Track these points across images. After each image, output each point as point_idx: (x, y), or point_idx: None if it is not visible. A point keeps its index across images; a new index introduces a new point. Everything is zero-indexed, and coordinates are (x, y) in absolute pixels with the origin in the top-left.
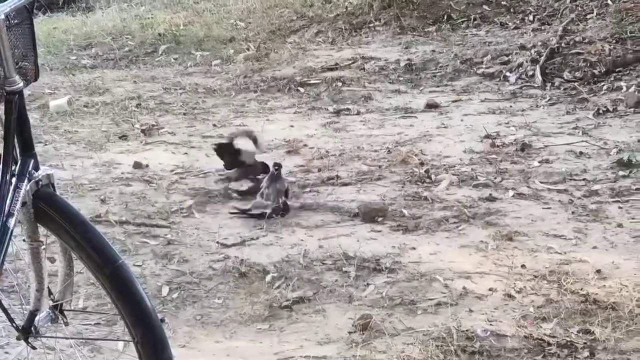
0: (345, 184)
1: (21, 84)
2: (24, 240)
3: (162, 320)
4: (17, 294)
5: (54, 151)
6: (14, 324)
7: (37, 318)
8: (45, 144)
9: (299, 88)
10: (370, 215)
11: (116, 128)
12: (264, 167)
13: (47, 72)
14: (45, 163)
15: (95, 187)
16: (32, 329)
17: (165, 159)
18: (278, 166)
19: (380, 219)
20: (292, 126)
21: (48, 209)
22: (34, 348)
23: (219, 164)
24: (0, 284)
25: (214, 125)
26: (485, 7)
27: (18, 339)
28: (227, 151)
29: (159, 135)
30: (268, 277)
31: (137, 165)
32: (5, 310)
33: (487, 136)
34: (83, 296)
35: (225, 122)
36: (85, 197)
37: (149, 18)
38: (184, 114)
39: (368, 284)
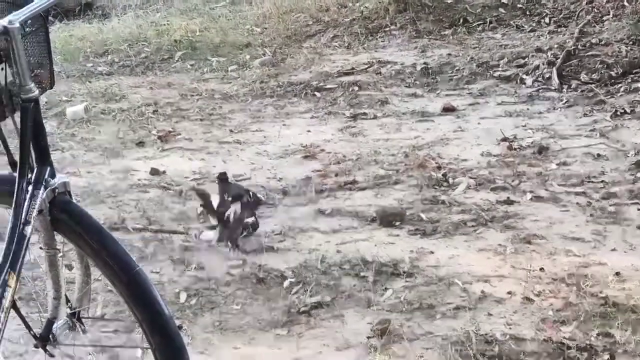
0: (363, 189)
1: (37, 92)
2: (40, 248)
3: (180, 327)
4: (35, 302)
5: (71, 158)
6: (31, 332)
7: (54, 326)
8: (62, 152)
9: (315, 93)
10: (388, 219)
11: (133, 135)
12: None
13: (64, 80)
14: (62, 170)
15: (112, 194)
16: (50, 336)
17: (182, 165)
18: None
19: (398, 223)
20: (308, 131)
21: (64, 216)
22: (52, 356)
23: (237, 169)
24: (18, 292)
25: (231, 130)
26: (501, 10)
27: (36, 347)
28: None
29: (175, 142)
30: (286, 283)
31: (154, 172)
32: (23, 319)
33: (504, 139)
34: (101, 303)
35: (242, 128)
36: (102, 204)
37: (164, 24)
38: (201, 119)
39: (386, 289)
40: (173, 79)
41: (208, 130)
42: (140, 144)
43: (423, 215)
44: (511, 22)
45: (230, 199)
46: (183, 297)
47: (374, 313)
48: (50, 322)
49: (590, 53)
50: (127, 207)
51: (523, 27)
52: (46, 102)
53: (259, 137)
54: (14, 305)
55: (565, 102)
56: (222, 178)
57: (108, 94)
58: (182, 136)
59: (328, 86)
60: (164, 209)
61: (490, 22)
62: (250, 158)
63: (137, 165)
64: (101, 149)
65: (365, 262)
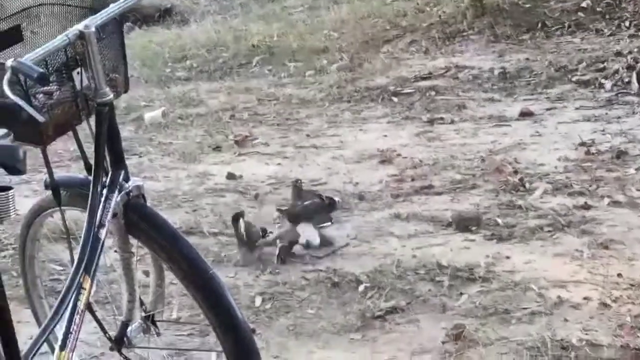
0: (439, 194)
1: (111, 96)
2: (115, 251)
3: (253, 331)
4: (110, 305)
5: (149, 163)
6: (107, 335)
7: (129, 329)
8: (140, 156)
9: (392, 98)
10: (464, 224)
11: (210, 139)
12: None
13: (143, 85)
14: (139, 175)
15: (189, 199)
16: (125, 339)
17: (258, 169)
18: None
19: (474, 228)
20: (385, 136)
21: (139, 220)
22: (126, 359)
23: (313, 174)
24: (94, 295)
25: (307, 135)
26: (580, 14)
27: (111, 349)
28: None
29: (252, 146)
30: (361, 287)
31: (231, 176)
32: (98, 321)
33: (582, 144)
34: (177, 307)
35: (318, 133)
36: (179, 208)
37: (243, 30)
38: (278, 124)
39: (461, 294)
40: (251, 84)
41: (285, 135)
42: (217, 148)
43: (499, 220)
44: (590, 26)
45: (303, 203)
46: (258, 301)
47: (449, 318)
48: (125, 325)
49: None
50: (203, 212)
51: (602, 31)
52: (125, 107)
53: (335, 142)
54: (89, 308)
55: None
56: (296, 185)
57: (186, 99)
58: (259, 141)
59: (405, 91)
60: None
61: (569, 26)
62: (326, 163)
63: (213, 169)
64: (178, 153)
65: (440, 266)
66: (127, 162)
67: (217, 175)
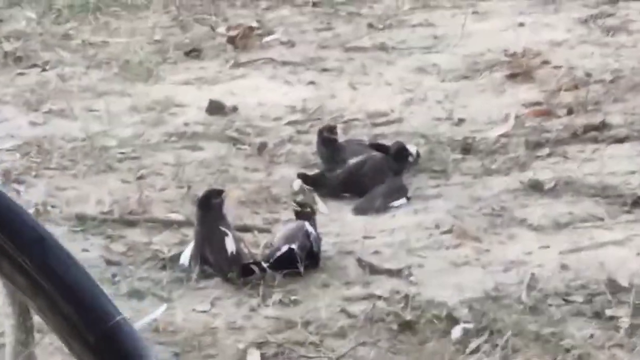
0: (620, 140)
1: None
2: None
3: None
4: None
5: (59, 83)
6: None
7: None
8: (44, 69)
9: None
10: None
11: (181, 35)
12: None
13: None
14: (40, 105)
15: (132, 153)
16: None
17: (270, 94)
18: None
19: None
20: (521, 24)
21: None
22: None
23: (377, 103)
24: None
25: (370, 25)
26: None
27: None
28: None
29: (261, 48)
30: (455, 331)
31: (215, 109)
32: None
33: None
34: None
35: (391, 19)
36: (109, 172)
37: None
38: (314, 3)
39: None
40: None
41: (327, 26)
42: (194, 53)
43: None
44: None
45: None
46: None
47: None
48: None
49: None
50: (157, 179)
51: None
52: None
53: (423, 37)
54: None
55: None
56: (327, 136)
57: None
58: (276, 37)
59: None
60: (230, 180)
61: None
62: (403, 79)
63: (183, 94)
64: (117, 63)
65: (614, 288)
66: (19, 79)
67: (189, 106)
